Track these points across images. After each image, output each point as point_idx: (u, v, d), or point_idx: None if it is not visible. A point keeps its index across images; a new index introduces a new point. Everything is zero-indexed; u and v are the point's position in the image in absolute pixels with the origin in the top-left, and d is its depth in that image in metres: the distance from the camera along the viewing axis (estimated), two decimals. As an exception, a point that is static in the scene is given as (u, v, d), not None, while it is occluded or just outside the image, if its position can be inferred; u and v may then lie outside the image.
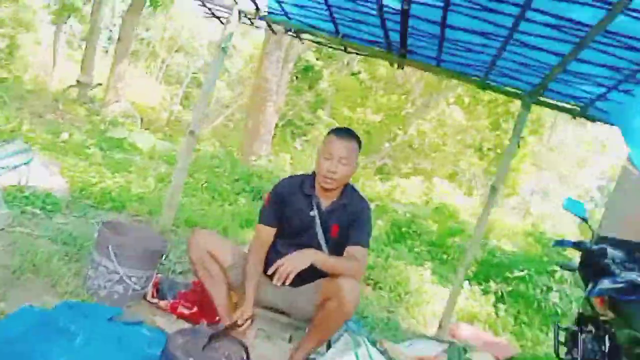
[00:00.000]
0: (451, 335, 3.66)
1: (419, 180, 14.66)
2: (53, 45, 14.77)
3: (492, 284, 4.86)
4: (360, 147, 2.24)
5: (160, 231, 3.56)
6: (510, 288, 4.81)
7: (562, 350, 3.46)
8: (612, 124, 3.14)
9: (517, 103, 11.15)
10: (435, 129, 15.46)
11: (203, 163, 6.71)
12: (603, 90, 2.90)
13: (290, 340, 2.40)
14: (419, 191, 13.80)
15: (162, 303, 2.48)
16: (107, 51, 19.71)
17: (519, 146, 3.32)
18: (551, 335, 4.24)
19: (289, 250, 2.23)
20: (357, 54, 3.86)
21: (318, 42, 3.82)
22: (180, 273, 3.09)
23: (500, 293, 4.71)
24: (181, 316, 2.44)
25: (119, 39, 10.71)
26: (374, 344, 2.89)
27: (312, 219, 2.25)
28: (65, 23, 15.55)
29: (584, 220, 3.26)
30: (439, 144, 15.54)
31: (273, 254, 2.30)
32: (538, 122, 12.28)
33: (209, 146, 9.34)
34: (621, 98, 2.88)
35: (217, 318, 2.43)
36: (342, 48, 3.66)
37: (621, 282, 2.90)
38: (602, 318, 3.09)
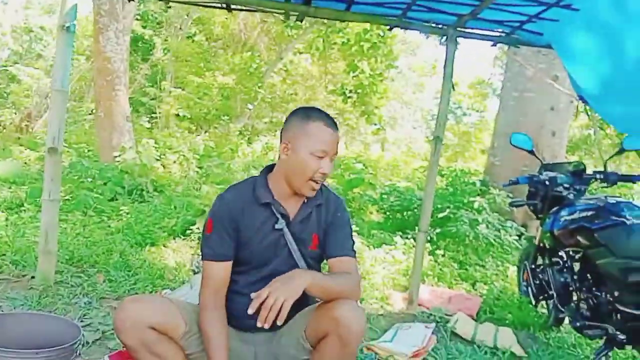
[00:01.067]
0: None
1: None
2: None
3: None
4: None
5: (41, 290, 2.64)
6: (438, 230, 4.67)
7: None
8: (545, 46, 2.91)
9: (370, 41, 11.14)
10: (284, 79, 15.13)
11: (57, 174, 5.47)
12: (541, 8, 2.61)
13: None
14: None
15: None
16: None
17: (453, 89, 2.97)
18: (493, 271, 4.20)
19: (257, 288, 1.62)
20: (242, 9, 3.14)
21: (192, 3, 3.01)
22: (96, 342, 2.27)
23: (431, 238, 4.54)
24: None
25: None
26: (361, 351, 2.46)
27: (279, 235, 1.69)
28: None
29: (531, 152, 3.08)
30: (291, 94, 15.30)
31: (234, 301, 1.68)
32: (391, 55, 12.43)
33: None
34: (559, 15, 2.61)
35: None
36: (221, 5, 2.92)
37: (587, 209, 2.77)
38: (570, 249, 2.98)
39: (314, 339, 1.59)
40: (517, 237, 4.79)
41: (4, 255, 3.03)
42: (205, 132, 11.58)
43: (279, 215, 1.68)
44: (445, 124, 3.05)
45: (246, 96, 13.51)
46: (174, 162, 7.12)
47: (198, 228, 4.08)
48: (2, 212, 3.98)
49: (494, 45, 3.26)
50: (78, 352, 1.66)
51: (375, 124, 13.12)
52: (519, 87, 5.64)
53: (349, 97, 12.55)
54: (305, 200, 1.72)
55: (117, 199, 5.11)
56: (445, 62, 2.96)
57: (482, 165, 8.01)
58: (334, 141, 1.65)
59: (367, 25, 11.83)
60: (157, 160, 6.81)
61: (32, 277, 2.76)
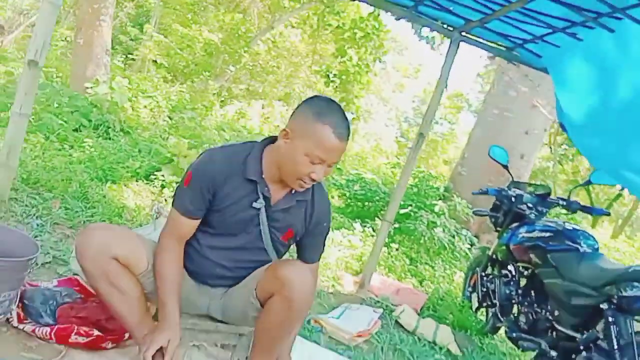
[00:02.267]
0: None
1: (258, 104, 14.20)
2: None
3: (378, 222, 4.74)
4: None
5: (-5, 203, 2.53)
6: (396, 225, 4.76)
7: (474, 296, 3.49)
8: (541, 68, 2.98)
9: (365, 30, 11.10)
10: (269, 50, 14.94)
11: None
12: (547, 31, 2.67)
13: (233, 354, 1.83)
14: (262, 116, 13.39)
15: (39, 330, 1.67)
16: None
17: (446, 87, 3.01)
18: (441, 272, 4.32)
19: (218, 255, 1.65)
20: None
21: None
22: (46, 265, 2.21)
23: (390, 231, 4.62)
24: (75, 345, 1.68)
25: None
26: (308, 322, 2.50)
27: (254, 214, 1.62)
28: None
29: (505, 167, 3.17)
30: (273, 67, 15.11)
31: (194, 257, 1.68)
32: (381, 48, 12.43)
33: (20, 68, 7.44)
34: (562, 42, 2.69)
35: (127, 335, 1.76)
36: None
37: (545, 230, 2.89)
38: (520, 265, 3.11)
39: (263, 299, 1.59)
40: (469, 246, 4.94)
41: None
42: (181, 84, 11.28)
43: (260, 195, 1.60)
44: (432, 123, 3.09)
45: (229, 57, 13.24)
46: (145, 106, 6.91)
47: (163, 176, 4.01)
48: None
49: (492, 57, 3.32)
50: (31, 269, 1.61)
51: (352, 113, 13.13)
52: (500, 105, 5.77)
53: (332, 81, 12.51)
54: (292, 191, 1.63)
55: (81, 131, 4.94)
56: (445, 62, 2.99)
57: (443, 175, 8.20)
58: (337, 151, 1.50)
59: (365, 13, 11.82)
60: (129, 101, 6.60)
61: (-14, 190, 2.64)
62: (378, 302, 3.18)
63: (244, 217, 1.61)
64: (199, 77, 11.70)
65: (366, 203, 5.47)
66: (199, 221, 1.62)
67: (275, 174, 1.58)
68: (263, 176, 1.59)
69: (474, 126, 6.31)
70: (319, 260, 1.79)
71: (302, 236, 1.71)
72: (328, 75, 12.57)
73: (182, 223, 1.59)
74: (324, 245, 1.79)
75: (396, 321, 2.95)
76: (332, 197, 6.02)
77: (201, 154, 1.63)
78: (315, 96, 1.58)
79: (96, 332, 1.69)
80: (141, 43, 12.33)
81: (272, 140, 1.63)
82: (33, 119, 4.50)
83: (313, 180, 1.53)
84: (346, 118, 1.52)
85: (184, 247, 1.64)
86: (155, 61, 11.97)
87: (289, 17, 13.86)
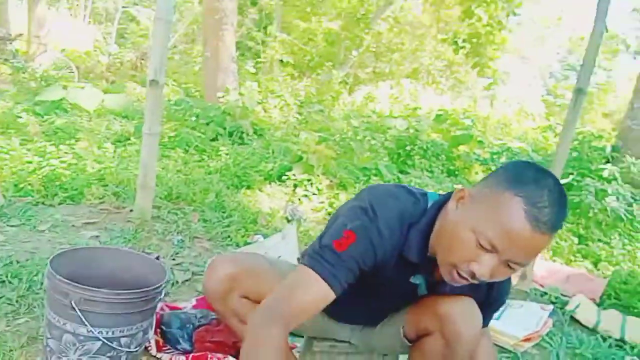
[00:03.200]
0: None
1: (386, 85, 13.80)
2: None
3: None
4: None
5: (138, 224, 2.64)
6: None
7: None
8: None
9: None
10: (391, 27, 14.40)
11: (164, 111, 5.61)
12: None
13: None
14: (391, 97, 13.00)
15: (175, 358, 1.62)
16: (21, -2, 17.22)
17: (606, 30, 2.43)
18: (619, 250, 3.66)
19: (360, 310, 1.38)
20: None
21: None
22: (186, 283, 2.22)
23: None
24: (213, 372, 1.60)
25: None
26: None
27: (412, 288, 1.26)
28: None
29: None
30: (397, 44, 14.54)
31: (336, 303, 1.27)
32: (513, 0, 11.24)
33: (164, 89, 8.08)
34: None
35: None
36: None
37: None
38: None
39: (413, 335, 1.34)
40: (652, 214, 4.13)
41: (107, 186, 3.09)
42: (308, 78, 11.43)
43: (422, 276, 1.23)
44: (591, 74, 2.53)
45: (351, 43, 13.09)
46: (275, 106, 7.04)
47: (294, 174, 3.95)
48: (112, 144, 4.11)
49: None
50: (161, 295, 1.56)
51: (488, 78, 12.11)
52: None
53: (462, 47, 11.66)
54: None
55: (218, 140, 5.14)
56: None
57: (604, 130, 7.10)
58: (525, 245, 0.98)
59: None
60: (259, 103, 6.77)
61: (131, 210, 2.77)
62: (545, 294, 2.73)
63: (399, 291, 1.27)
64: (322, 69, 11.72)
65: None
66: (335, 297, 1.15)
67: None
68: (429, 254, 1.16)
69: (642, 69, 5.29)
70: (487, 324, 1.40)
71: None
72: (456, 42, 11.77)
73: (324, 299, 1.11)
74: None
75: (571, 317, 2.48)
76: (476, 174, 5.52)
77: (359, 210, 1.15)
78: (525, 161, 1.11)
79: (230, 359, 1.59)
80: (267, 45, 12.76)
81: (447, 198, 1.17)
82: (175, 135, 4.78)
83: (472, 275, 1.04)
84: (563, 201, 1.00)
85: None
86: (282, 60, 12.28)
87: (407, -11, 13.25)
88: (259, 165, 4.24)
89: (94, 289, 1.40)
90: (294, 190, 3.86)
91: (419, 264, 1.17)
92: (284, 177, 4.00)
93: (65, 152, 3.52)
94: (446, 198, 1.17)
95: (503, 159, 5.23)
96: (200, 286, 2.18)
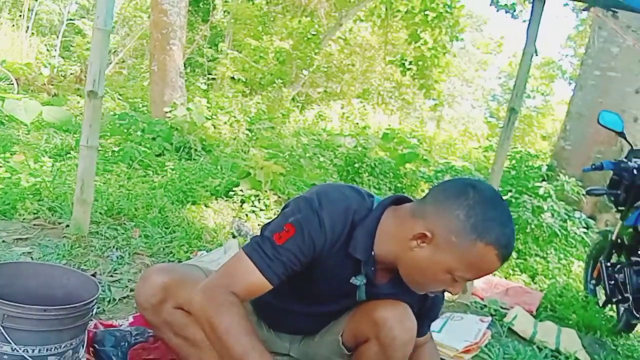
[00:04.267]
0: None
1: (337, 105, 14.01)
2: None
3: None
4: None
5: (74, 239, 2.53)
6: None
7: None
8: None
9: (436, 10, 10.52)
10: (342, 48, 14.72)
11: (108, 125, 5.45)
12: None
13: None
14: (341, 116, 13.19)
15: (110, 378, 1.55)
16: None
17: (536, 53, 2.58)
18: (555, 264, 3.83)
19: (299, 317, 1.39)
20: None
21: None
22: (123, 300, 2.13)
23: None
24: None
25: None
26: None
27: (351, 289, 1.28)
28: None
29: (621, 134, 2.67)
30: (347, 64, 14.87)
31: (270, 311, 1.42)
32: (457, 26, 11.73)
33: (108, 102, 7.86)
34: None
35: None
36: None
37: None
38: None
39: (352, 343, 1.36)
40: (584, 230, 4.36)
41: (42, 200, 2.95)
42: (258, 95, 11.43)
43: (364, 273, 1.25)
44: (523, 94, 2.67)
45: (302, 62, 13.23)
46: (225, 122, 6.99)
47: (241, 190, 3.92)
48: (50, 158, 3.94)
49: (587, 10, 2.83)
50: (92, 312, 1.50)
51: (434, 99, 12.52)
52: (601, 65, 5.08)
53: (408, 69, 12.02)
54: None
55: (164, 155, 5.03)
56: (530, 21, 2.57)
57: (541, 151, 7.48)
58: (494, 271, 1.16)
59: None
60: (208, 119, 6.70)
61: (67, 226, 2.65)
62: (485, 307, 2.81)
63: (338, 291, 1.30)
64: (273, 87, 11.79)
65: (459, 193, 5.05)
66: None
67: (388, 257, 1.20)
68: (373, 253, 1.22)
69: (573, 93, 5.62)
70: (427, 332, 1.47)
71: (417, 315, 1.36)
72: (403, 64, 12.11)
73: (260, 288, 1.16)
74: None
75: (509, 328, 2.57)
76: (422, 191, 5.66)
77: (303, 202, 1.19)
78: (471, 186, 1.13)
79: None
80: (218, 62, 12.70)
81: (392, 202, 1.26)
82: (115, 150, 4.65)
83: (448, 293, 1.21)
84: (511, 223, 1.12)
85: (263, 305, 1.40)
86: (233, 77, 12.24)
87: (356, 12, 13.57)
88: (206, 180, 4.17)
89: (18, 304, 1.32)
90: (241, 206, 3.82)
91: (363, 262, 1.22)
92: (231, 193, 3.95)
93: (-1, 166, 3.36)
94: (390, 201, 1.25)
95: (447, 177, 5.39)
96: (139, 303, 2.11)
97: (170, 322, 1.32)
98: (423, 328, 1.41)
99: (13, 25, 15.09)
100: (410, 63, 12.14)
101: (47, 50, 14.18)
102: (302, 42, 13.06)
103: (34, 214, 2.81)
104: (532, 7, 2.58)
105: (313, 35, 12.87)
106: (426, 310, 1.38)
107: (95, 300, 1.50)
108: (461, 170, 5.42)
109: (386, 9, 12.31)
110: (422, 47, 11.74)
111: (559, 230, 4.17)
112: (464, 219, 1.09)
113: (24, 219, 2.73)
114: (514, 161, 5.29)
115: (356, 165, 5.72)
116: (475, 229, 1.08)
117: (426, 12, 11.19)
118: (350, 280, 1.25)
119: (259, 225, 3.65)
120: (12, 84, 7.88)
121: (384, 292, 1.28)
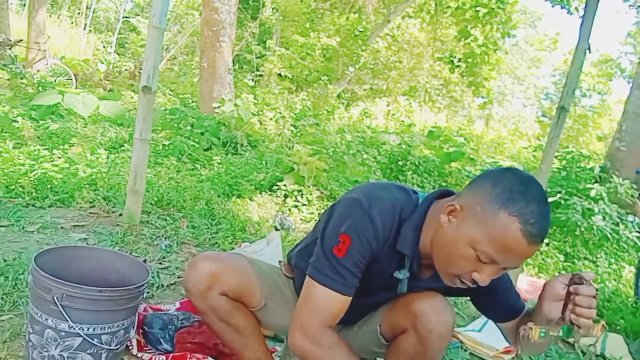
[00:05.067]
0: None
1: (383, 102, 13.92)
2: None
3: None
4: None
5: (126, 227, 2.66)
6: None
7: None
8: None
9: (488, 6, 10.27)
10: (389, 45, 14.58)
11: (159, 120, 5.65)
12: None
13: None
14: (386, 114, 13.11)
15: (155, 359, 1.64)
16: (24, 4, 17.33)
17: (589, 51, 2.50)
18: (604, 269, 3.70)
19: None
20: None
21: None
22: (171, 287, 2.24)
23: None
24: (194, 375, 1.62)
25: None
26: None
27: (394, 282, 1.30)
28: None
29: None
30: (394, 62, 14.71)
31: None
32: (509, 22, 11.41)
33: (160, 97, 8.15)
34: None
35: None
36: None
37: None
38: None
39: (390, 334, 1.38)
40: (638, 234, 4.18)
41: (98, 190, 3.11)
42: (304, 91, 11.53)
43: (407, 266, 1.26)
44: (574, 93, 2.60)
45: (348, 59, 13.23)
46: (270, 118, 7.11)
47: (285, 185, 3.99)
48: (105, 150, 4.14)
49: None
50: (143, 294, 1.59)
51: (483, 97, 12.24)
52: (662, 62, 4.84)
53: (457, 66, 11.80)
54: None
55: (211, 149, 5.18)
56: (584, 17, 2.49)
57: (597, 152, 7.19)
58: (521, 255, 1.08)
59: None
60: (254, 115, 6.83)
61: (120, 215, 2.80)
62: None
63: (382, 283, 1.32)
64: (319, 83, 11.84)
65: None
66: None
67: (429, 247, 1.22)
68: (419, 248, 1.23)
69: (630, 92, 5.38)
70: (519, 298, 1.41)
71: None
72: (452, 61, 11.90)
73: (340, 303, 1.22)
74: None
75: (552, 331, 2.51)
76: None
77: (351, 204, 1.22)
78: (508, 169, 1.14)
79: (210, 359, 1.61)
80: (266, 58, 12.90)
81: (437, 196, 1.27)
82: (166, 144, 4.82)
83: (473, 282, 1.14)
84: (547, 209, 1.08)
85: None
86: (280, 74, 12.39)
87: (405, 8, 13.43)
88: (251, 174, 4.28)
89: (75, 284, 1.42)
90: (284, 200, 3.89)
91: (410, 257, 1.24)
92: (275, 188, 4.03)
93: (58, 157, 3.55)
94: (435, 195, 1.26)
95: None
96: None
97: (216, 308, 1.38)
98: (518, 302, 1.38)
99: (72, 23, 15.86)
100: (460, 60, 11.93)
101: (104, 47, 14.82)
102: (349, 39, 13.06)
103: (90, 202, 2.97)
104: (587, 1, 2.50)
105: (360, 32, 12.85)
106: (484, 292, 1.27)
107: (146, 284, 1.59)
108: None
109: (436, 5, 12.13)
110: (472, 43, 11.51)
111: (610, 233, 4.01)
112: (490, 189, 1.08)
113: (80, 207, 2.90)
114: (564, 162, 5.12)
115: (400, 163, 5.70)
116: (499, 199, 1.06)
117: (477, 8, 10.96)
118: (394, 274, 1.28)
119: (301, 220, 3.71)
120: (71, 79, 8.30)
121: (425, 285, 1.30)
